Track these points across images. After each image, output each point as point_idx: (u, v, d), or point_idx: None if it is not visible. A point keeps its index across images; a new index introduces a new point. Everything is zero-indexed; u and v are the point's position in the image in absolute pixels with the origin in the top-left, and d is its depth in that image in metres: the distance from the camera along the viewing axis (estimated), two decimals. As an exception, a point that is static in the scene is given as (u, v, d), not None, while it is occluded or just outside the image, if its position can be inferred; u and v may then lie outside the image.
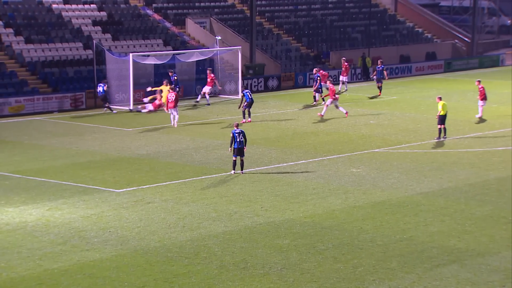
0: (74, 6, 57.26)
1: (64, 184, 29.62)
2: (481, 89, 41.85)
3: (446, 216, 25.47)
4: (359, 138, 38.14)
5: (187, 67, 52.18)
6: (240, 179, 30.36)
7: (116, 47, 53.55)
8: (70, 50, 52.73)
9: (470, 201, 27.03)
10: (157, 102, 44.06)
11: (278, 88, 56.04)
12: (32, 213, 25.92)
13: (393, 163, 32.78)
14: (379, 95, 50.96)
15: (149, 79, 49.98)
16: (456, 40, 73.38)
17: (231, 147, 30.54)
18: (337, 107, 42.79)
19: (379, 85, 50.99)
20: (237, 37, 59.83)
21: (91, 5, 58.09)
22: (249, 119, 42.06)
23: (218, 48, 53.75)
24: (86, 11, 57.55)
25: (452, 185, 29.24)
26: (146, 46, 55.23)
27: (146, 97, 45.61)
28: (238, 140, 30.03)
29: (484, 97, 41.81)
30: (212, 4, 64.85)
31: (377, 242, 22.97)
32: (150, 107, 44.45)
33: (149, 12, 60.87)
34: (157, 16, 60.67)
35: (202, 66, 52.33)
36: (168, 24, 60.11)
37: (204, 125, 42.35)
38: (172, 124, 40.93)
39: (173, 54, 50.84)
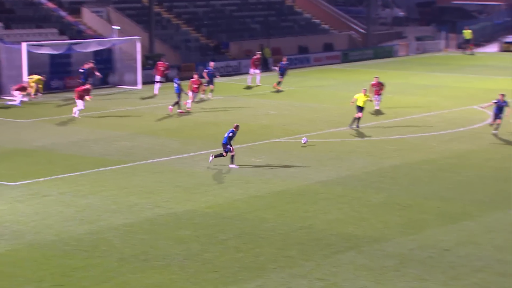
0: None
1: (-43, 177, 28.96)
2: (375, 85, 42.29)
3: (344, 204, 25.91)
4: (260, 128, 38.39)
5: (84, 57, 51.34)
6: (141, 170, 30.19)
7: (8, 36, 52.15)
8: (-40, 39, 51.30)
9: (366, 189, 27.57)
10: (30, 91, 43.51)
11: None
12: None
13: (292, 153, 33.14)
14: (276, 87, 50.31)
15: (44, 69, 48.87)
16: (352, 32, 74.53)
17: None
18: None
19: (280, 80, 50.65)
20: (135, 27, 59.24)
21: (-19, -7, 56.58)
22: (171, 107, 41.86)
23: (117, 38, 53.28)
24: (-24, -1, 55.97)
25: (350, 173, 29.77)
26: (41, 35, 53.86)
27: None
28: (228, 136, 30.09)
29: (379, 93, 42.42)
30: (110, -7, 64.03)
31: (277, 231, 23.19)
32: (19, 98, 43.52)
33: (43, 1, 59.42)
34: (51, 4, 59.18)
35: (101, 56, 51.67)
36: (63, 13, 58.86)
37: (104, 117, 41.88)
38: (74, 113, 40.47)
39: (69, 44, 50.10)
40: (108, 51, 52.89)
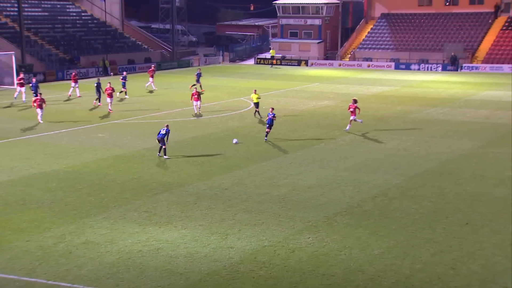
0: None
1: None
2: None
3: (161, 161, 25.76)
4: (103, 113, 37.17)
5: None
6: (19, 144, 28.39)
7: None
8: None
9: (175, 152, 27.35)
10: None
11: (44, 81, 52.82)
12: None
13: (126, 130, 32.45)
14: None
15: None
16: (163, 50, 73.88)
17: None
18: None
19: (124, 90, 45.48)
20: (10, 45, 55.52)
21: None
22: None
23: (-2, 53, 49.88)
24: None
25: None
26: None
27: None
28: (162, 133, 25.84)
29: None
30: (-10, 21, 59.52)
31: (116, 181, 22.75)
32: None
33: None
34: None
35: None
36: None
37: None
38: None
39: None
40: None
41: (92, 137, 30.36)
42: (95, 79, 44.30)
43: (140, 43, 72.06)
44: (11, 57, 49.13)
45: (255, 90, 36.05)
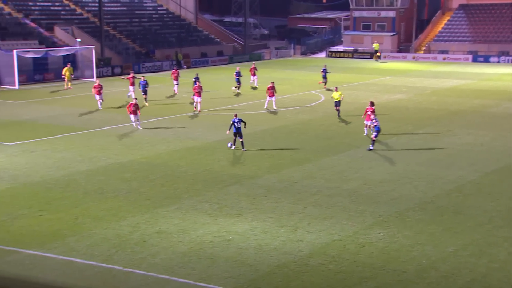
0: (-29, 16, 52.97)
1: (-29, 141, 27.60)
2: (252, 69, 43.16)
3: (232, 154, 26.03)
4: (176, 106, 37.97)
5: (57, 59, 49.97)
6: (97, 134, 29.48)
7: (4, 45, 49.71)
8: (-30, 47, 48.70)
9: (246, 144, 27.47)
10: None
11: (121, 73, 54.41)
12: None
13: (198, 122, 33.01)
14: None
15: (29, 68, 47.67)
16: (235, 43, 74.50)
17: (229, 130, 26.51)
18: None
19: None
20: (91, 39, 57.48)
21: (-16, 15, 53.98)
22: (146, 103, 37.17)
23: (78, 47, 52.01)
24: (-20, 19, 53.30)
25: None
26: (26, 45, 51.61)
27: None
28: (237, 126, 25.86)
29: (254, 74, 42.59)
30: (73, 17, 61.90)
31: (188, 172, 23.19)
32: None
33: (27, 21, 56.98)
34: (33, 24, 56.92)
35: (68, 59, 50.00)
36: (41, 30, 56.54)
37: (72, 99, 40.53)
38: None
39: (46, 51, 48.81)
40: (73, 55, 51.46)
41: (166, 128, 31.05)
42: (234, 67, 44.68)
43: (212, 36, 73.01)
44: (91, 51, 51.27)
45: (337, 88, 34.51)
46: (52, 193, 20.37)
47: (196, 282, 14.19)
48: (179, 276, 14.54)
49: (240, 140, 26.30)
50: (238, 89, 43.72)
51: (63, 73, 44.39)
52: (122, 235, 16.91)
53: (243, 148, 26.29)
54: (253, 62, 48.00)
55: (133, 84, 37.86)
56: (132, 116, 30.39)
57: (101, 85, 36.06)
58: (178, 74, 42.97)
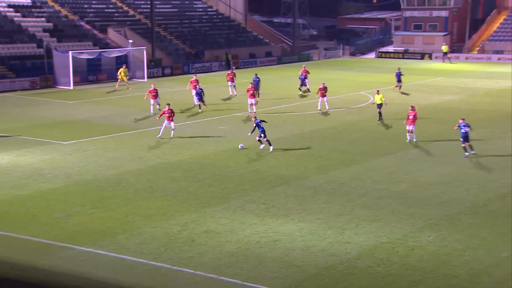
0: (30, 18, 54.77)
1: (26, 138, 28.49)
2: (303, 71, 42.64)
3: (279, 155, 26.01)
4: (225, 106, 38.22)
5: (110, 60, 51.11)
6: (147, 134, 29.98)
7: (60, 47, 51.24)
8: (27, 48, 50.32)
9: (293, 145, 27.74)
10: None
11: (171, 74, 55.35)
12: (4, 158, 24.89)
13: (246, 123, 33.13)
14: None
15: (83, 69, 48.86)
16: (284, 44, 74.44)
17: (251, 132, 26.72)
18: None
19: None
20: (143, 40, 58.52)
21: (41, 18, 55.66)
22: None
23: (130, 48, 52.98)
24: (38, 22, 55.00)
25: (282, 135, 29.84)
26: (81, 46, 53.11)
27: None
28: (262, 127, 26.14)
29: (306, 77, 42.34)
30: (126, 18, 63.20)
31: (236, 172, 23.32)
32: None
33: (82, 23, 58.55)
34: (87, 26, 58.47)
35: (120, 60, 51.15)
36: (95, 32, 58.02)
37: (122, 99, 41.38)
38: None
39: (100, 52, 49.91)
40: (125, 56, 52.45)
41: (213, 129, 31.32)
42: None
43: (261, 37, 73.19)
44: (142, 52, 52.19)
45: (378, 91, 33.97)
46: (103, 192, 20.83)
47: (244, 282, 14.26)
48: (227, 275, 14.64)
49: (266, 139, 26.23)
50: (303, 91, 43.09)
51: (118, 74, 45.34)
52: (171, 233, 17.15)
53: (270, 146, 26.28)
54: (303, 64, 47.52)
55: (195, 87, 37.28)
56: (171, 123, 28.75)
57: (156, 89, 35.40)
58: (234, 75, 42.58)
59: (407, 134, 28.10)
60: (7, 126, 31.62)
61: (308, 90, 43.21)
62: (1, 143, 27.55)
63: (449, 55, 67.39)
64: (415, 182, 21.76)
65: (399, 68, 45.13)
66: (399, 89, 43.55)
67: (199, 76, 47.37)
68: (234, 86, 42.20)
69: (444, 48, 68.04)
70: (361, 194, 20.52)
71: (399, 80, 43.59)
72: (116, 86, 45.35)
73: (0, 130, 30.36)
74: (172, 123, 28.81)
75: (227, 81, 42.43)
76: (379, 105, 33.13)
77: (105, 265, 15.22)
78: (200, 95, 36.17)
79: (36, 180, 21.96)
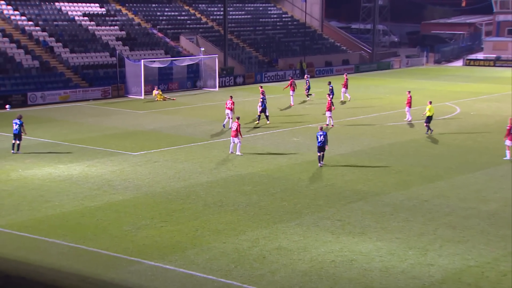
0: (103, 27, 56.80)
1: (97, 149, 29.49)
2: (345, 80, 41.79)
3: (356, 169, 25.79)
4: (298, 117, 38.19)
5: (181, 69, 52.30)
6: (217, 145, 30.37)
7: (132, 55, 52.98)
8: (101, 57, 52.19)
9: (371, 159, 27.42)
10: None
11: (243, 83, 56.00)
12: (76, 168, 25.82)
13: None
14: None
15: (154, 77, 50.10)
16: (362, 51, 73.71)
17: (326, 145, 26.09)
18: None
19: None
20: (215, 48, 59.51)
21: (115, 27, 57.60)
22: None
23: (202, 56, 53.93)
24: (111, 31, 56.95)
25: (360, 148, 29.60)
26: (152, 55, 54.70)
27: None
28: (319, 140, 25.73)
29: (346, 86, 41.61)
30: (198, 26, 64.47)
31: (310, 187, 23.24)
32: None
33: (154, 31, 60.23)
34: (160, 34, 60.12)
35: (191, 68, 52.20)
36: (167, 40, 59.57)
37: (193, 109, 42.18)
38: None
39: (172, 60, 51.03)
40: (197, 65, 53.53)
41: (287, 141, 31.37)
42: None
43: (338, 44, 72.79)
44: (214, 60, 53.03)
45: (430, 102, 32.96)
46: (172, 204, 21.24)
47: (316, 303, 14.12)
48: (299, 295, 14.55)
49: (322, 153, 25.83)
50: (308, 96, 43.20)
51: (154, 95, 45.64)
52: (241, 250, 17.25)
53: (320, 162, 25.86)
54: (345, 74, 46.45)
55: (293, 88, 39.99)
56: (236, 139, 28.11)
57: (233, 102, 34.67)
58: (295, 85, 43.04)
59: (506, 151, 26.68)
60: (79, 136, 32.89)
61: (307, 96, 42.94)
62: (74, 153, 28.67)
63: None
64: (507, 200, 20.92)
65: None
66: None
67: (271, 85, 47.68)
68: (293, 95, 42.75)
69: None
70: (445, 212, 19.94)
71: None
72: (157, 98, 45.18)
73: (73, 140, 31.59)
74: (236, 139, 28.04)
75: (290, 90, 43.08)
76: (429, 118, 32.15)
77: (174, 280, 15.48)
78: (264, 106, 36.06)
79: (106, 192, 22.64)
